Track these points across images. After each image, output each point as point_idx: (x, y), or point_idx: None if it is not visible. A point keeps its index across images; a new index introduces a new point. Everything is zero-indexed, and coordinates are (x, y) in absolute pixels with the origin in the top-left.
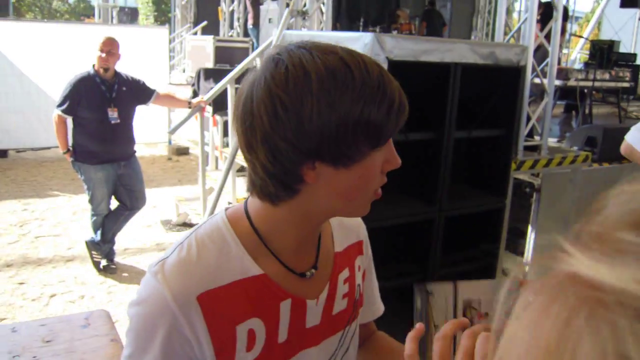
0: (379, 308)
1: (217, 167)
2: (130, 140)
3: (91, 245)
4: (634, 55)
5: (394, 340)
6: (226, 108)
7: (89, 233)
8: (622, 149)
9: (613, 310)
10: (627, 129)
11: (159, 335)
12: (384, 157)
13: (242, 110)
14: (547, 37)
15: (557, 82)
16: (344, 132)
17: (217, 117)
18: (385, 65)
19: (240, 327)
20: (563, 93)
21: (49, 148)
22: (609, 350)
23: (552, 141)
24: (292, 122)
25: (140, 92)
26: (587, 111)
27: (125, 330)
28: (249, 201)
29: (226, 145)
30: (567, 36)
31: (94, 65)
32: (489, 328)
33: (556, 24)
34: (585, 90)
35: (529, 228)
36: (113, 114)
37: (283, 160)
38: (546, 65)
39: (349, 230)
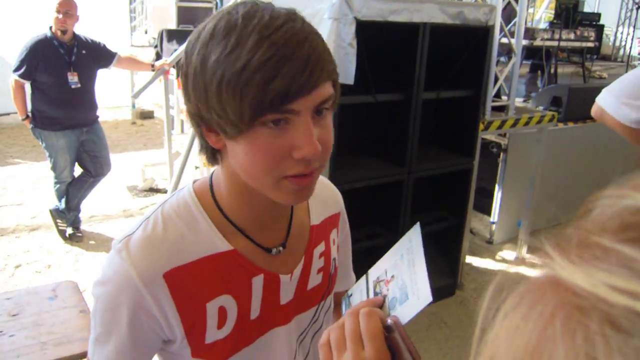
0: (353, 279)
1: (182, 131)
2: (92, 105)
3: (55, 213)
4: (598, 15)
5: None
6: None
7: (52, 201)
8: (593, 111)
9: (588, 315)
10: (591, 89)
11: (124, 315)
12: (289, 139)
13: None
14: None
15: (524, 42)
16: (210, 95)
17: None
18: (352, 26)
19: (210, 304)
20: (528, 53)
21: (7, 114)
22: (581, 354)
23: (518, 101)
24: (183, 81)
25: (100, 55)
26: (552, 71)
27: (91, 312)
28: (215, 172)
29: None
30: None
31: (51, 28)
32: (373, 304)
33: None
34: (550, 50)
35: (496, 187)
36: (73, 78)
37: (191, 121)
38: (514, 25)
39: (325, 202)
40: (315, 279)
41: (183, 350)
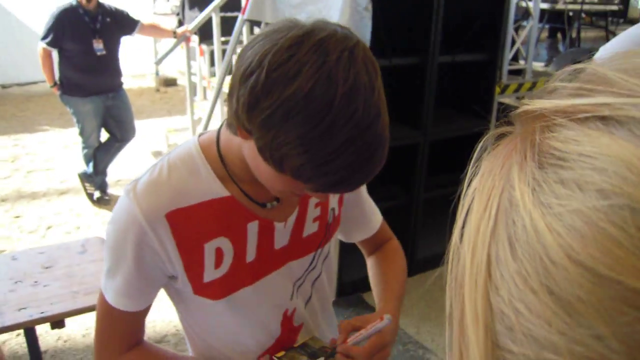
0: (374, 225)
1: (205, 97)
2: (117, 72)
3: (84, 177)
4: None
5: (387, 262)
6: (212, 37)
7: (81, 166)
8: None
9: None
10: None
11: (130, 249)
12: (298, 185)
13: (245, 62)
14: None
15: (545, 5)
16: (275, 142)
17: (204, 47)
18: None
19: (208, 245)
20: (551, 16)
21: (35, 83)
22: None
23: (539, 65)
24: (253, 100)
25: (124, 23)
26: (574, 35)
27: (103, 249)
28: (223, 128)
29: (213, 75)
30: None
31: None
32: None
33: None
34: (571, 14)
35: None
36: (98, 45)
37: (232, 108)
38: None
39: None
40: (311, 227)
41: (185, 288)
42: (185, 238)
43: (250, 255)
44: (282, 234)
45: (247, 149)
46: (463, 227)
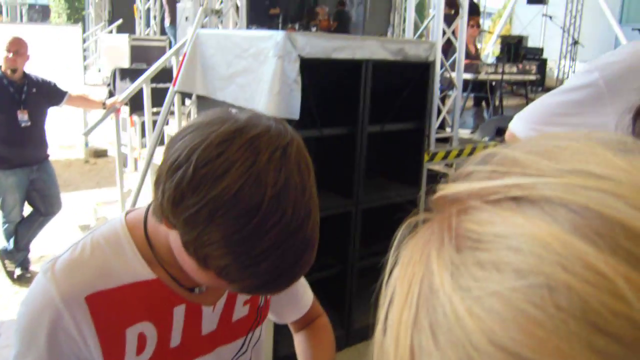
0: (305, 304)
1: (136, 169)
2: (43, 143)
3: (4, 254)
4: (541, 50)
5: (316, 340)
6: (143, 108)
7: (1, 242)
8: (506, 136)
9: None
10: None
11: (43, 334)
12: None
13: (173, 155)
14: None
15: (468, 76)
16: (199, 243)
17: (135, 118)
18: (297, 64)
19: (130, 330)
20: (475, 86)
21: None
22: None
23: (465, 133)
24: (179, 196)
25: (51, 94)
26: (497, 103)
27: (13, 331)
28: (150, 210)
29: (144, 146)
30: (479, 32)
31: (0, 67)
32: None
33: (462, 20)
34: (494, 84)
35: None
36: (23, 116)
37: (157, 199)
38: (455, 60)
39: None
40: (241, 311)
41: None
42: (105, 323)
43: (175, 340)
44: (209, 319)
45: (172, 238)
46: (385, 319)
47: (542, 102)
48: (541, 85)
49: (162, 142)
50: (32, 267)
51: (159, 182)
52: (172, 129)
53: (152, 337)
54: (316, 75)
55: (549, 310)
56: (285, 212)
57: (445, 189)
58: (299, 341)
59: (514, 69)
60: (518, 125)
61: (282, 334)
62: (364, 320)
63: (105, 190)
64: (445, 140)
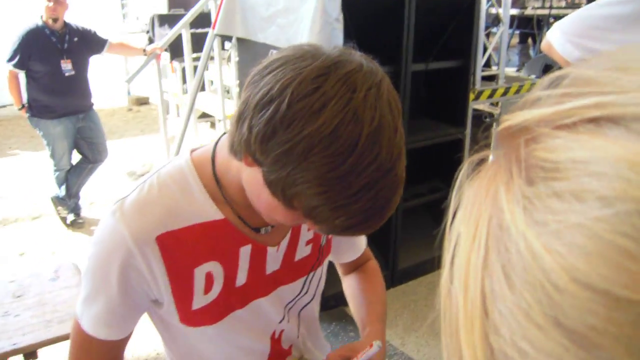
0: (362, 245)
1: (178, 115)
2: (87, 92)
3: (56, 201)
4: None
5: (369, 282)
6: (183, 54)
7: (53, 189)
8: (542, 45)
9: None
10: None
11: (115, 273)
12: (302, 218)
13: (263, 88)
14: None
15: (514, 11)
16: (289, 181)
17: (175, 64)
18: (338, 2)
19: (198, 270)
20: (520, 22)
21: (3, 106)
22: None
23: (511, 71)
24: (270, 131)
25: (92, 42)
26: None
27: (82, 273)
28: (220, 144)
29: (186, 92)
30: None
31: (42, 16)
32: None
33: None
34: (542, 19)
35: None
36: (67, 65)
37: (241, 135)
38: None
39: None
40: (303, 251)
41: (171, 314)
42: (175, 262)
43: (241, 279)
44: (274, 259)
45: (248, 176)
46: (452, 265)
47: (584, 14)
48: None
49: (202, 88)
50: (83, 213)
51: (243, 117)
52: (212, 74)
53: (219, 276)
54: (358, 13)
55: None
56: (380, 151)
57: (510, 119)
58: (350, 284)
59: (562, 3)
60: (556, 35)
61: (328, 275)
62: (409, 261)
63: (149, 137)
64: (491, 78)
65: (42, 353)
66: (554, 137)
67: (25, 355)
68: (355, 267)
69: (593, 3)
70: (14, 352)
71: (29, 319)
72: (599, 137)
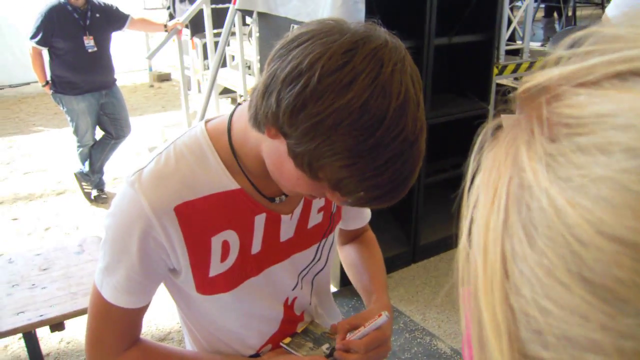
0: (368, 214)
1: (200, 91)
2: (110, 68)
3: (80, 176)
4: None
5: (369, 251)
6: (204, 30)
7: (76, 165)
8: (602, 20)
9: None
10: None
11: (135, 242)
12: (328, 190)
13: (292, 62)
14: None
15: None
16: (317, 153)
17: (196, 40)
18: None
19: (215, 239)
20: None
21: (27, 84)
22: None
23: (536, 45)
24: (300, 104)
25: (114, 18)
26: (569, 13)
27: (101, 244)
28: (236, 115)
29: (207, 68)
30: None
31: None
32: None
33: None
34: None
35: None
36: (89, 42)
37: (268, 107)
38: None
39: None
40: (315, 218)
41: (188, 283)
42: (192, 232)
43: (256, 247)
44: (287, 226)
45: (270, 147)
46: (470, 230)
47: None
48: None
49: (224, 64)
50: (107, 189)
51: (269, 90)
52: (233, 49)
53: (235, 244)
54: None
55: None
56: (406, 124)
57: (531, 80)
58: (349, 253)
59: None
60: (612, 9)
61: None
62: (430, 237)
63: (171, 113)
64: (515, 52)
65: (69, 324)
66: (578, 94)
67: (52, 327)
68: (355, 236)
69: None
70: (42, 323)
71: (55, 291)
72: (625, 90)
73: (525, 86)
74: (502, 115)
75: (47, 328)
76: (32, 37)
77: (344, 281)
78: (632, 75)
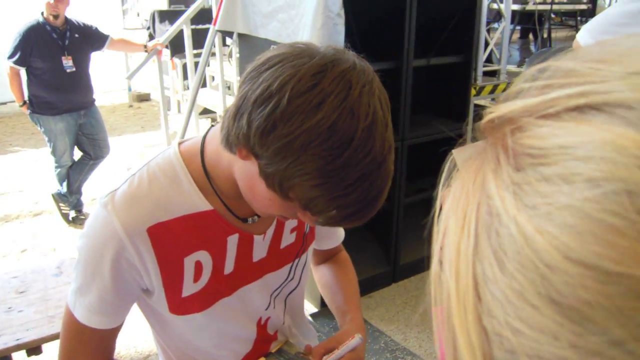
0: (341, 235)
1: (179, 111)
2: (89, 88)
3: (58, 197)
4: None
5: (343, 271)
6: (184, 50)
7: (54, 186)
8: (573, 45)
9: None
10: None
11: (107, 262)
12: (299, 210)
13: (262, 84)
14: None
15: (515, 7)
16: (288, 173)
17: (176, 60)
18: None
19: (187, 259)
20: (522, 18)
21: (4, 103)
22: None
23: (512, 67)
24: (270, 125)
25: (93, 38)
26: (545, 35)
27: (74, 265)
28: (209, 136)
29: (187, 88)
30: None
31: (42, 13)
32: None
33: None
34: (543, 14)
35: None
36: (68, 62)
37: (239, 129)
38: None
39: None
40: (288, 238)
41: (160, 303)
42: (165, 252)
43: (229, 267)
44: (260, 247)
45: (242, 168)
46: (441, 254)
47: (606, 12)
48: (592, 15)
49: (204, 84)
50: (85, 209)
51: (241, 112)
52: (213, 70)
53: (208, 265)
54: (360, 8)
55: (631, 216)
56: (374, 145)
57: (495, 111)
58: (324, 273)
59: None
60: (583, 35)
61: None
62: (410, 257)
63: (150, 133)
64: (493, 74)
65: (46, 348)
66: (540, 126)
67: (28, 351)
68: (329, 256)
69: (617, 2)
70: (18, 347)
71: (32, 315)
72: (584, 123)
73: (489, 117)
74: (454, 151)
75: (23, 352)
76: (10, 57)
77: (323, 302)
78: (589, 108)
